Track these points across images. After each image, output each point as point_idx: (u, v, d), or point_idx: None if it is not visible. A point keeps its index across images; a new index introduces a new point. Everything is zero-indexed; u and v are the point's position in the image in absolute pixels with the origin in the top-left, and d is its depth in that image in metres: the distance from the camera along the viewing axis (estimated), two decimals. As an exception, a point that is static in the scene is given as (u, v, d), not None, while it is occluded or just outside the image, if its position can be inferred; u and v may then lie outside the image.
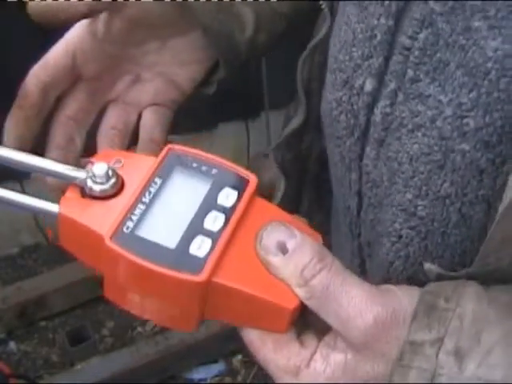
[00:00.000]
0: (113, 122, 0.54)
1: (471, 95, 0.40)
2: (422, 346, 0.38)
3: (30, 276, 1.81)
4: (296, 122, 0.58)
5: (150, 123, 0.55)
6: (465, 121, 0.41)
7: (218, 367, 1.70)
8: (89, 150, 0.52)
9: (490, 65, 0.39)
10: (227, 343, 1.65)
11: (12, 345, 1.73)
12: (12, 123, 0.50)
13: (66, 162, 0.50)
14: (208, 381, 1.69)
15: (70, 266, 1.71)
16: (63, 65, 0.51)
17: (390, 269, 0.48)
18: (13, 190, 0.43)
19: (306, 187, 0.64)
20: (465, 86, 0.40)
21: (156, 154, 0.44)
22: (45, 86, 0.51)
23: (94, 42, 0.52)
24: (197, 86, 0.57)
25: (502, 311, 0.38)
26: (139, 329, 1.76)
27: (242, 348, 1.69)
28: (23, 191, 0.41)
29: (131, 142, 0.55)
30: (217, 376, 1.69)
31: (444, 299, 0.39)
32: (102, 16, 0.52)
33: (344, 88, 0.48)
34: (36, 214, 0.43)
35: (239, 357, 1.71)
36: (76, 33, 0.52)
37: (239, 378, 1.69)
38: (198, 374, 1.69)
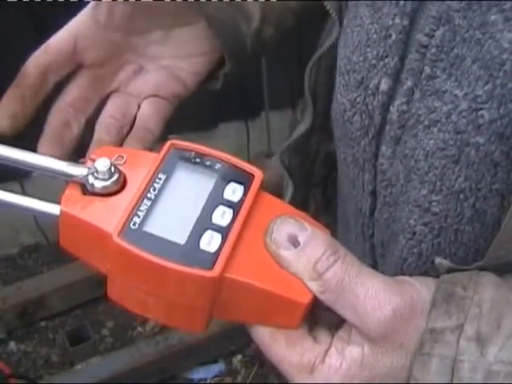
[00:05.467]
0: (111, 111, 0.54)
1: (486, 87, 0.40)
2: (442, 333, 0.37)
3: (30, 276, 1.81)
4: (303, 127, 0.58)
5: (147, 113, 0.55)
6: (480, 113, 0.41)
7: (217, 367, 1.70)
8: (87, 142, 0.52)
9: (505, 56, 0.39)
10: (227, 343, 1.65)
11: (12, 345, 1.72)
12: (6, 100, 0.50)
13: (60, 147, 0.50)
14: (208, 381, 1.68)
15: (70, 266, 1.71)
16: (64, 49, 0.51)
17: (404, 266, 0.48)
18: (12, 191, 0.42)
19: (312, 190, 0.64)
20: (480, 78, 0.40)
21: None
22: (44, 69, 0.50)
23: (96, 28, 0.52)
24: (202, 81, 0.56)
25: None
26: (139, 329, 1.76)
27: (242, 348, 1.70)
28: (23, 191, 0.40)
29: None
30: (217, 376, 1.69)
31: (461, 287, 0.38)
32: (105, 2, 0.51)
33: (358, 89, 0.48)
34: (36, 215, 0.42)
35: (239, 357, 1.71)
36: (79, 19, 0.52)
37: (239, 378, 1.68)
38: (198, 373, 1.69)
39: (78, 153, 0.52)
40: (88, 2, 0.52)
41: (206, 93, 0.58)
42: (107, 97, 0.55)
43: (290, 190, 0.60)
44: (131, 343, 1.71)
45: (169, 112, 0.56)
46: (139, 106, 0.55)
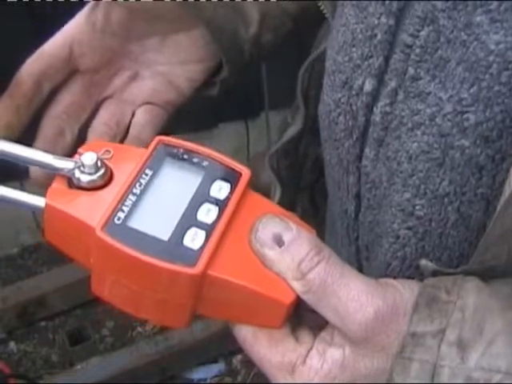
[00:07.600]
0: (105, 118, 0.53)
1: (472, 90, 0.40)
2: (423, 338, 0.37)
3: (30, 276, 1.81)
4: (294, 130, 0.58)
5: (141, 122, 0.54)
6: (465, 116, 0.40)
7: (218, 367, 1.70)
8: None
9: (491, 58, 0.39)
10: (227, 343, 1.65)
11: (12, 345, 1.72)
12: (0, 110, 0.49)
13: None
14: (208, 381, 1.68)
15: (70, 266, 1.71)
16: (59, 55, 0.51)
17: (388, 270, 0.47)
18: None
19: (300, 194, 0.64)
20: (465, 81, 0.40)
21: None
22: (39, 77, 0.50)
23: (92, 34, 0.51)
24: (198, 87, 0.56)
25: (504, 302, 0.38)
26: (139, 329, 1.76)
27: (242, 348, 1.70)
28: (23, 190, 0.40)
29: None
30: (217, 376, 1.69)
31: (445, 292, 0.38)
32: (102, 6, 0.51)
33: (343, 89, 0.48)
34: (21, 207, 0.42)
35: (239, 357, 1.71)
36: (75, 24, 0.52)
37: (239, 378, 1.69)
38: (198, 374, 1.69)
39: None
40: (86, 3, 0.52)
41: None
42: (101, 104, 0.54)
43: (277, 194, 0.60)
44: (131, 343, 1.71)
45: (163, 120, 0.55)
46: (133, 114, 0.54)
